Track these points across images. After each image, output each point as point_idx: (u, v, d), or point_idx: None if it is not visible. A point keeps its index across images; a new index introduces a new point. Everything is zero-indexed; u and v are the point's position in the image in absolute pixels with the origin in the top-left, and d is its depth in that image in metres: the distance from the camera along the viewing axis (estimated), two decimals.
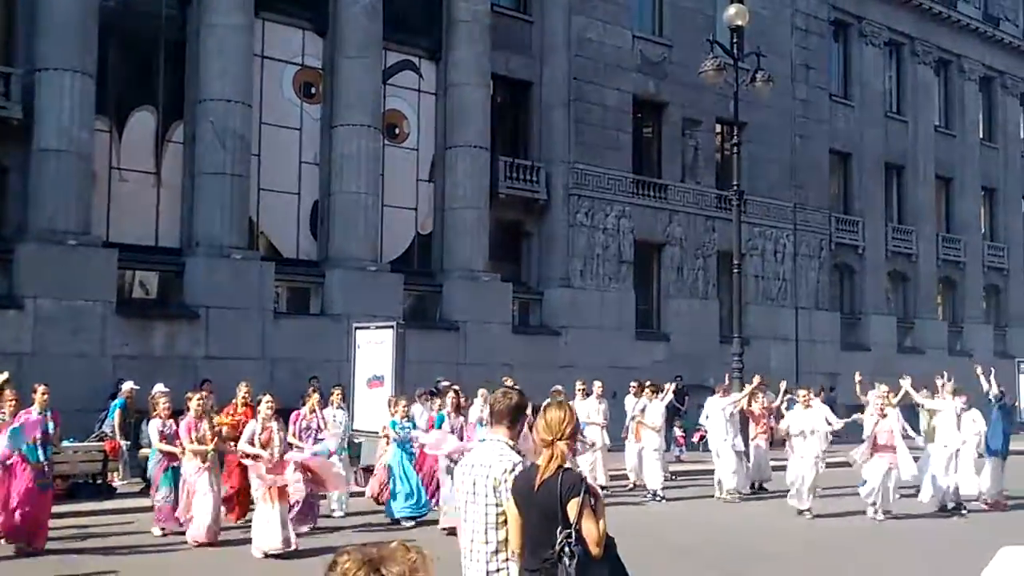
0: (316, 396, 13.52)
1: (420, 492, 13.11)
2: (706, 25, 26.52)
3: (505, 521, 4.48)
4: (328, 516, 13.21)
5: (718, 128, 28.75)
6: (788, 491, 14.91)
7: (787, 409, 16.28)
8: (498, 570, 4.50)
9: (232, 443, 11.95)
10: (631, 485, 17.11)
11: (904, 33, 35.38)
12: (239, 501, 12.51)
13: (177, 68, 20.42)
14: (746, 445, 17.12)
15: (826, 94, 32.20)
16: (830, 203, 32.42)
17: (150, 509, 12.23)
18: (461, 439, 13.20)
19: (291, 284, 21.40)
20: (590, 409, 16.57)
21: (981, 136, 38.65)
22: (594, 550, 4.27)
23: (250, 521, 11.38)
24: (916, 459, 14.71)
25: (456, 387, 15.29)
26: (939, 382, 16.25)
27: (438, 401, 14.85)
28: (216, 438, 11.73)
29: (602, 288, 25.60)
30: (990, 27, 38.19)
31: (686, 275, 27.65)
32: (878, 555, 11.87)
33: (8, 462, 10.39)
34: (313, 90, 22.15)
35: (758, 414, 17.51)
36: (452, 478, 12.58)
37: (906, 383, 16.11)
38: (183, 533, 11.49)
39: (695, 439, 21.34)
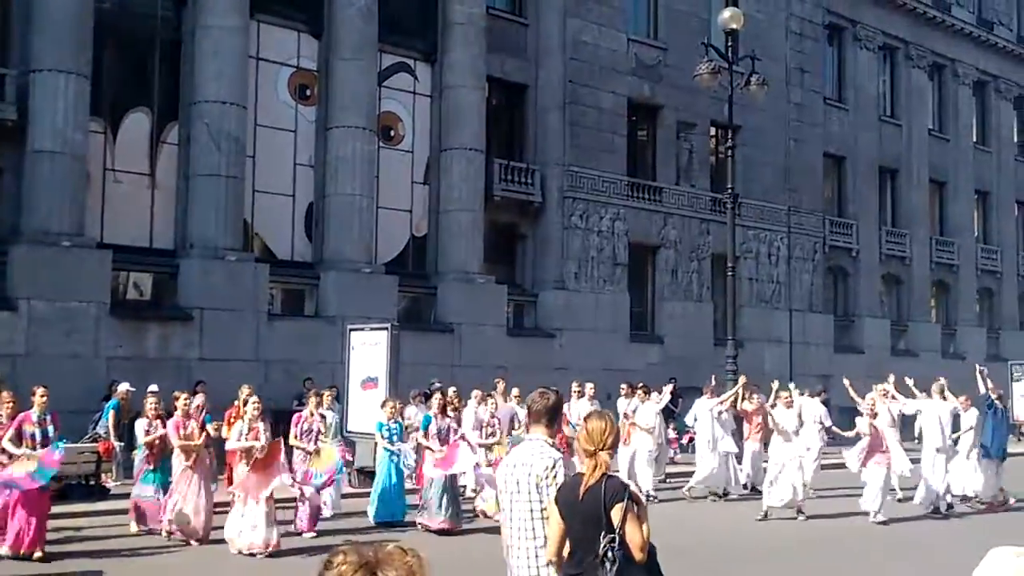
0: (316, 399, 13.57)
1: (398, 497, 13.11)
2: (701, 28, 26.52)
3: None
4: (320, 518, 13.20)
5: (712, 131, 28.76)
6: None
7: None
8: (548, 563, 4.65)
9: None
10: None
11: (898, 37, 35.46)
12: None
13: (172, 69, 20.38)
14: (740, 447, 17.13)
15: (820, 98, 32.26)
16: (824, 206, 32.47)
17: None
18: (447, 441, 13.22)
19: (285, 286, 21.38)
20: (583, 411, 16.54)
21: (975, 140, 38.75)
22: (637, 555, 4.40)
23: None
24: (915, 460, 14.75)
25: (442, 388, 15.32)
26: (936, 385, 16.28)
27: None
28: (206, 436, 11.79)
29: (596, 290, 25.61)
30: (984, 31, 38.31)
31: (680, 278, 27.68)
32: (872, 556, 11.90)
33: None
34: (308, 92, 22.13)
35: (752, 414, 17.49)
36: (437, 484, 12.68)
37: (889, 385, 16.22)
38: (159, 533, 11.57)
39: (685, 440, 21.36)
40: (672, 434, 21.05)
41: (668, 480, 17.91)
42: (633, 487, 4.62)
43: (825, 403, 17.78)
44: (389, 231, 23.14)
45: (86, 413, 15.82)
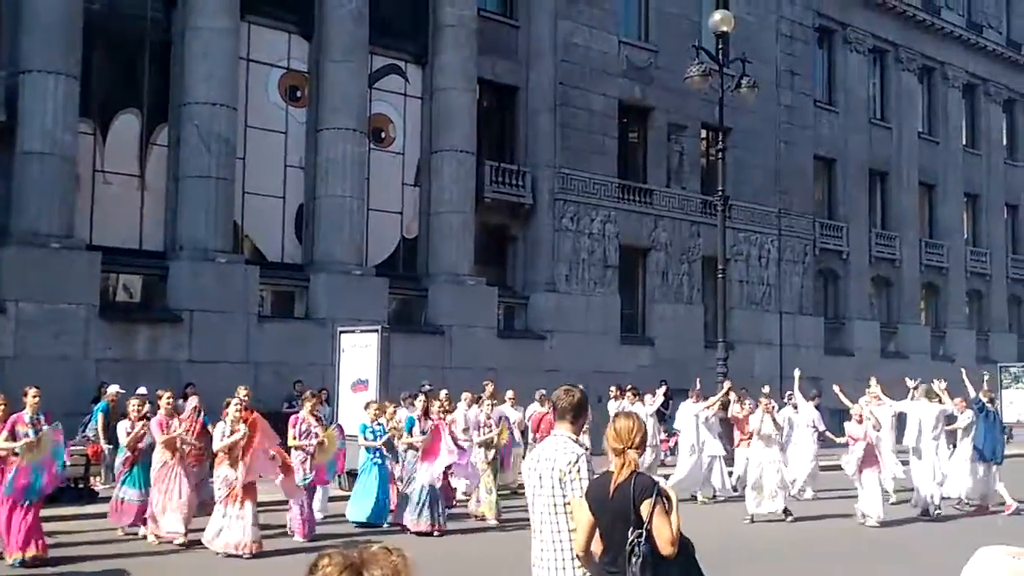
0: (314, 400, 13.53)
1: (381, 500, 13.08)
2: (692, 31, 26.61)
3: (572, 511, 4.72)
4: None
5: (703, 133, 28.81)
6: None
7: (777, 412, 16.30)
8: (576, 558, 4.72)
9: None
10: None
11: (888, 40, 35.59)
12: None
13: (162, 71, 20.34)
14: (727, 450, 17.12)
15: (811, 100, 32.36)
16: (814, 208, 32.56)
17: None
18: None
19: (276, 288, 21.34)
20: None
21: (964, 143, 38.91)
22: (667, 549, 4.46)
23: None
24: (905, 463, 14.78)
25: (433, 391, 15.29)
26: (935, 387, 16.30)
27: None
28: (192, 433, 11.81)
29: (587, 293, 25.63)
30: (973, 35, 38.47)
31: (671, 280, 27.71)
32: (863, 557, 11.93)
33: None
34: (298, 93, 22.11)
35: (742, 419, 17.49)
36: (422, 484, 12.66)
37: (874, 387, 16.28)
38: (136, 535, 11.55)
39: (672, 443, 21.36)
40: (663, 436, 21.06)
41: None
42: (663, 483, 4.68)
43: (817, 407, 17.83)
44: (380, 233, 23.11)
45: (75, 415, 15.77)
